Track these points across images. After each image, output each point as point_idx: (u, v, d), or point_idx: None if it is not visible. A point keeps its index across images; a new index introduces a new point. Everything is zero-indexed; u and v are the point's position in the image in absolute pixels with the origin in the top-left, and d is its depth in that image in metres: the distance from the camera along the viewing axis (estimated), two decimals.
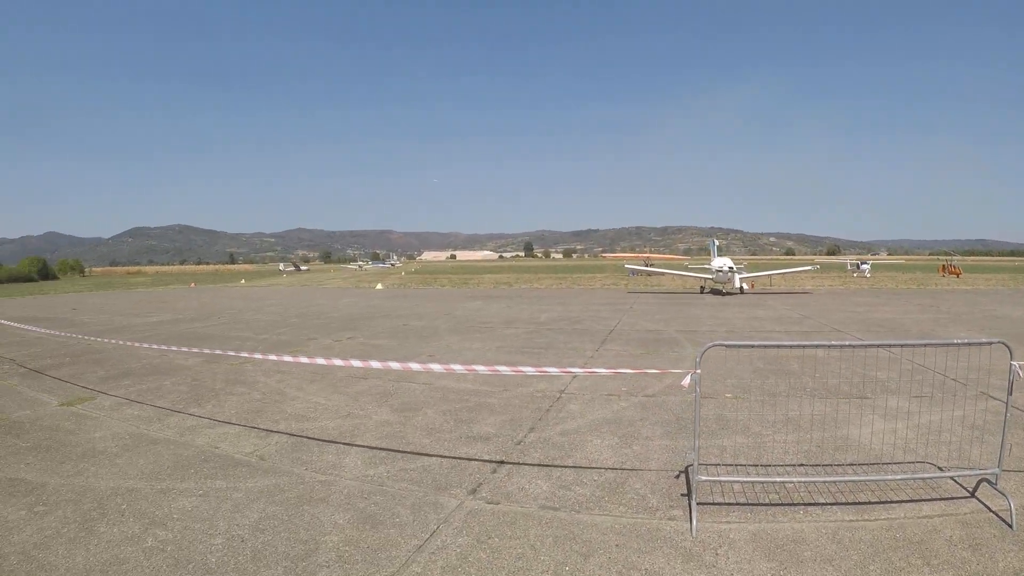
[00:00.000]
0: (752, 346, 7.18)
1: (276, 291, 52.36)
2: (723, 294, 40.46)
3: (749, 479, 7.45)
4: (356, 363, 9.46)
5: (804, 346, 7.36)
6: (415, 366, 9.30)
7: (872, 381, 12.80)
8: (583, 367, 14.78)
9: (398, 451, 8.98)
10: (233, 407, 11.58)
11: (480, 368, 9.31)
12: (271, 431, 10.00)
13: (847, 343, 7.08)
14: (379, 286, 56.89)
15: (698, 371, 6.74)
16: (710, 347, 7.09)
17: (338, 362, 9.77)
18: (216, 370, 15.17)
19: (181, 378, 14.34)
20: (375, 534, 6.31)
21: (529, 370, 8.67)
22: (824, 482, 7.44)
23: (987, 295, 38.00)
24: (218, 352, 13.95)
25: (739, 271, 41.80)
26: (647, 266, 66.28)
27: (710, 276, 43.23)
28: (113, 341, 17.29)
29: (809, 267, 53.36)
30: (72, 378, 14.50)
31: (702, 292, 43.34)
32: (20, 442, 9.61)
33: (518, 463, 8.43)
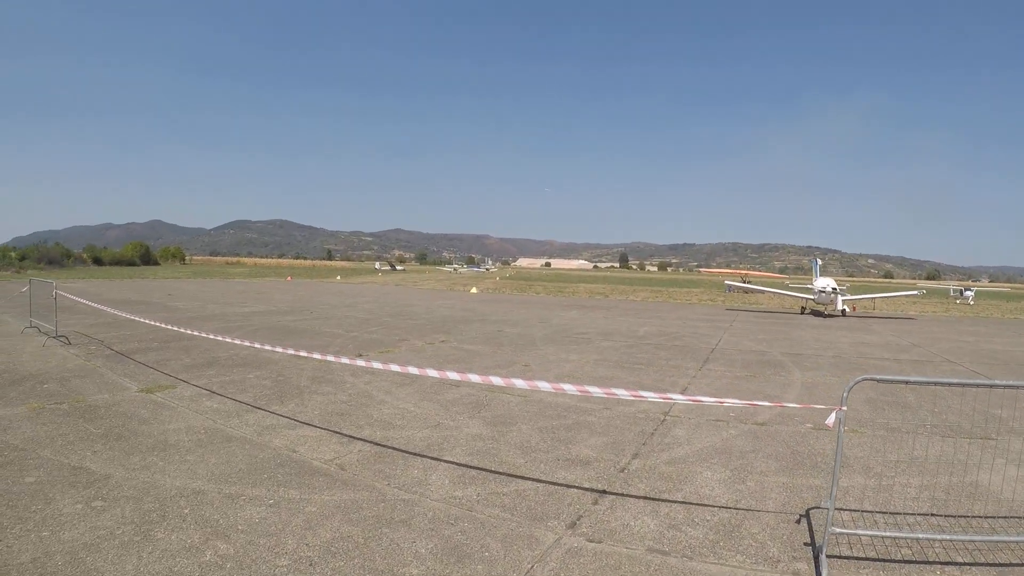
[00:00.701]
0: (906, 382, 6.03)
1: (370, 289, 52.61)
2: (825, 316, 38.63)
3: (886, 534, 6.27)
4: (452, 375, 8.62)
5: (964, 384, 6.14)
6: (519, 383, 8.18)
7: (995, 420, 11.50)
8: (683, 393, 13.78)
9: (490, 471, 8.09)
10: (317, 407, 10.93)
11: (572, 388, 8.15)
12: (354, 437, 9.25)
13: (1011, 383, 6.01)
14: (474, 290, 56.46)
15: (844, 408, 5.76)
16: (860, 381, 5.99)
17: (431, 372, 8.88)
18: (303, 367, 14.67)
19: (267, 372, 13.90)
20: (460, 570, 5.43)
21: (622, 393, 7.59)
22: (963, 540, 6.33)
23: None
24: (304, 350, 13.34)
25: (841, 292, 39.99)
26: (745, 283, 64.70)
27: (812, 296, 41.19)
28: (198, 333, 16.93)
29: (914, 291, 50.98)
30: (157, 364, 14.26)
31: (803, 312, 41.57)
32: (92, 427, 9.18)
33: (622, 494, 7.47)
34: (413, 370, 8.60)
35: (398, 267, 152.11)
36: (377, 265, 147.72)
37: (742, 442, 9.78)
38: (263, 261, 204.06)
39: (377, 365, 9.42)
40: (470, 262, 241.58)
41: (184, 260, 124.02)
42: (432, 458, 8.45)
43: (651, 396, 8.09)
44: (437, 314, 30.95)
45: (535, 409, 11.46)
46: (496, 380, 7.61)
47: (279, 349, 11.85)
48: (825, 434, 10.21)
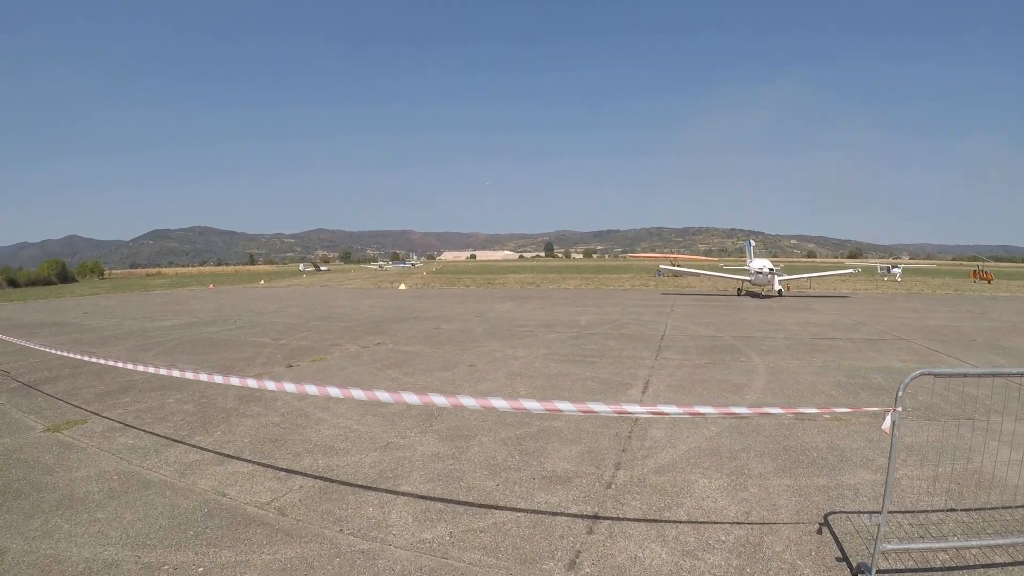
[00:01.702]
0: (968, 375, 5.16)
1: (296, 292, 50.55)
2: (762, 297, 38.72)
3: (938, 545, 5.58)
4: (410, 397, 7.45)
5: None
6: (468, 402, 7.11)
7: (970, 399, 11.12)
8: (646, 386, 13.11)
9: (459, 501, 7.00)
10: (247, 433, 9.63)
11: (535, 404, 6.90)
12: (292, 471, 7.99)
13: None
14: (403, 286, 55.19)
15: (898, 409, 4.79)
16: (918, 375, 5.16)
17: (382, 394, 6.92)
18: (228, 385, 13.14)
19: (188, 394, 12.38)
20: None
21: (601, 408, 6.71)
22: (999, 545, 5.70)
23: None
24: (225, 368, 12.07)
25: (777, 273, 39.96)
26: (675, 266, 64.99)
27: (748, 278, 41.48)
28: (106, 361, 15.37)
29: (850, 270, 51.66)
30: (67, 394, 12.60)
31: (739, 294, 41.57)
32: None
33: (618, 518, 6.52)
34: (358, 393, 6.95)
35: (322, 267, 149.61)
36: (301, 267, 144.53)
37: (728, 440, 9.03)
38: (185, 270, 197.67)
39: (312, 389, 8.03)
40: (395, 258, 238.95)
41: (103, 275, 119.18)
42: (388, 491, 7.31)
43: (632, 408, 7.21)
44: (368, 314, 29.57)
45: (493, 417, 10.43)
46: (439, 400, 6.24)
47: (203, 366, 10.48)
48: (812, 426, 9.62)
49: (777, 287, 39.25)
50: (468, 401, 6.00)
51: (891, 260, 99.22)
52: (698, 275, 52.62)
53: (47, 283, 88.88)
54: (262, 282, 76.51)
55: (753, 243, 49.76)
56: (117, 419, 10.57)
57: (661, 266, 58.36)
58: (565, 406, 5.80)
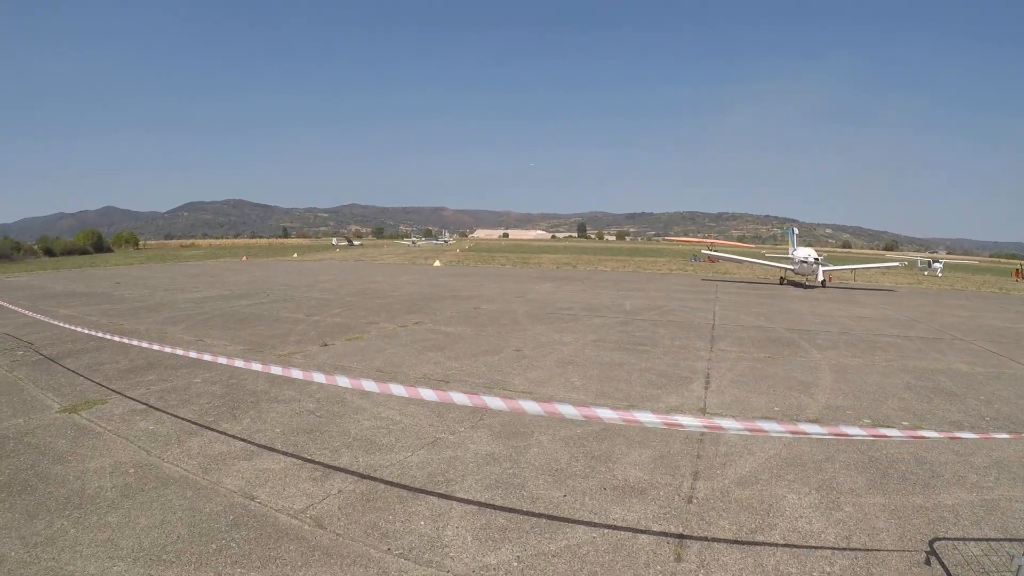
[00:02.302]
0: None
1: (329, 266, 49.87)
2: (806, 287, 37.28)
3: None
4: (458, 396, 6.49)
5: None
6: (532, 407, 5.69)
7: None
8: (707, 384, 12.13)
9: (522, 512, 6.06)
10: (278, 421, 8.68)
11: (610, 413, 5.74)
12: (330, 467, 7.07)
13: None
14: (437, 263, 54.33)
15: None
16: None
17: (427, 393, 5.98)
18: (258, 366, 12.30)
19: (217, 374, 11.49)
20: None
21: (688, 422, 5.69)
22: None
23: None
24: (257, 344, 11.18)
25: (822, 263, 38.47)
26: (713, 251, 64.06)
27: (791, 267, 39.77)
28: (142, 325, 14.57)
29: (895, 263, 50.27)
30: (88, 370, 11.78)
31: (781, 283, 40.18)
32: None
33: (707, 538, 5.64)
34: (399, 390, 6.04)
35: (355, 242, 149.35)
36: (334, 241, 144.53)
37: (809, 448, 8.11)
38: (218, 242, 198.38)
39: (345, 382, 6.85)
40: (427, 235, 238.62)
41: (137, 245, 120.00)
42: (441, 495, 6.37)
43: (727, 424, 6.11)
44: (404, 291, 28.68)
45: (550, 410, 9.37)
46: (494, 402, 5.28)
47: (233, 341, 9.61)
48: (894, 434, 8.47)
49: (821, 277, 38.03)
50: (530, 406, 5.07)
51: (932, 255, 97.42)
52: (739, 261, 51.49)
53: (83, 252, 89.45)
54: (295, 255, 76.18)
55: (796, 231, 48.59)
56: (139, 399, 9.73)
57: (703, 251, 57.34)
58: (645, 417, 4.78)
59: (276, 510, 5.98)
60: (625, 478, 6.99)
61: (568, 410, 4.83)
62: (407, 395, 5.49)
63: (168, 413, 8.95)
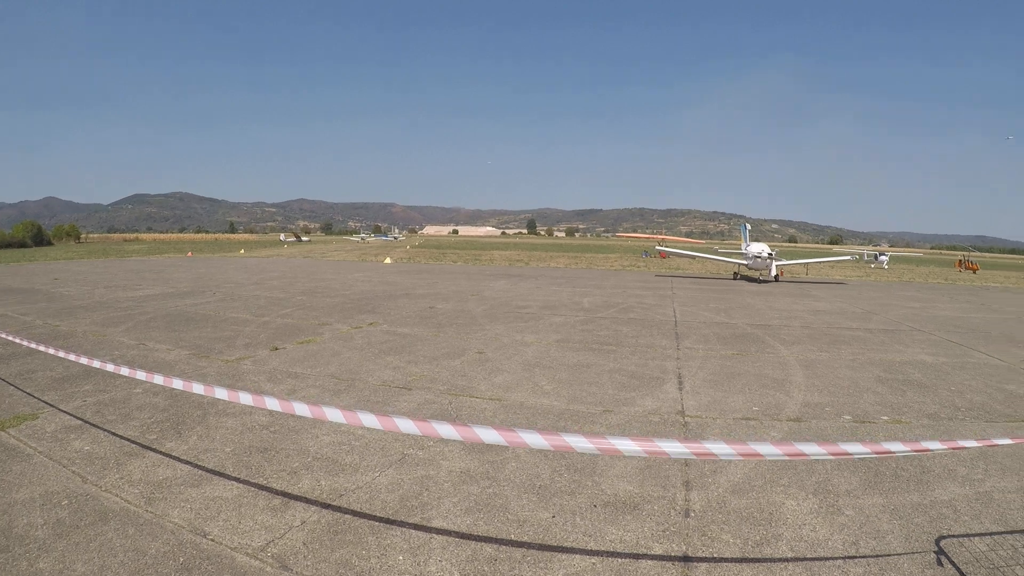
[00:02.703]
0: None
1: (278, 263, 48.66)
2: (760, 281, 37.76)
3: None
4: (439, 427, 5.84)
5: None
6: (533, 438, 4.81)
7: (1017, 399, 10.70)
8: (681, 385, 11.65)
9: (511, 542, 5.46)
10: (228, 439, 7.89)
11: (585, 443, 5.07)
12: (289, 495, 6.32)
13: None
14: (388, 260, 53.55)
15: None
16: None
17: (402, 422, 4.89)
18: (207, 371, 11.48)
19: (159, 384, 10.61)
20: None
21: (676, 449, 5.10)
22: None
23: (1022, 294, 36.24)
24: (209, 341, 10.40)
25: (776, 258, 39.02)
26: (667, 247, 65.21)
27: (745, 262, 40.43)
28: (80, 326, 13.64)
29: (847, 256, 51.56)
30: (20, 378, 10.75)
31: (735, 278, 40.58)
32: None
33: (713, 558, 5.23)
34: (334, 415, 5.18)
35: (304, 238, 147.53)
36: (282, 236, 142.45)
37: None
38: (163, 236, 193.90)
39: (303, 408, 6.05)
40: (377, 231, 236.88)
41: (79, 239, 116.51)
42: (416, 526, 5.70)
43: (717, 450, 5.63)
44: (356, 289, 27.85)
45: (523, 419, 8.94)
46: (447, 431, 4.48)
47: (177, 345, 8.85)
48: (874, 429, 8.85)
49: (774, 272, 38.47)
50: (489, 436, 4.37)
51: (878, 248, 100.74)
52: (692, 257, 51.99)
53: (21, 245, 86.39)
54: (242, 251, 74.46)
55: (748, 227, 48.97)
56: (74, 413, 8.82)
57: (656, 247, 58.08)
58: (624, 445, 4.21)
59: (232, 548, 5.24)
60: (615, 493, 6.50)
61: (534, 439, 4.21)
62: (344, 421, 4.73)
63: (106, 431, 8.09)
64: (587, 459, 7.34)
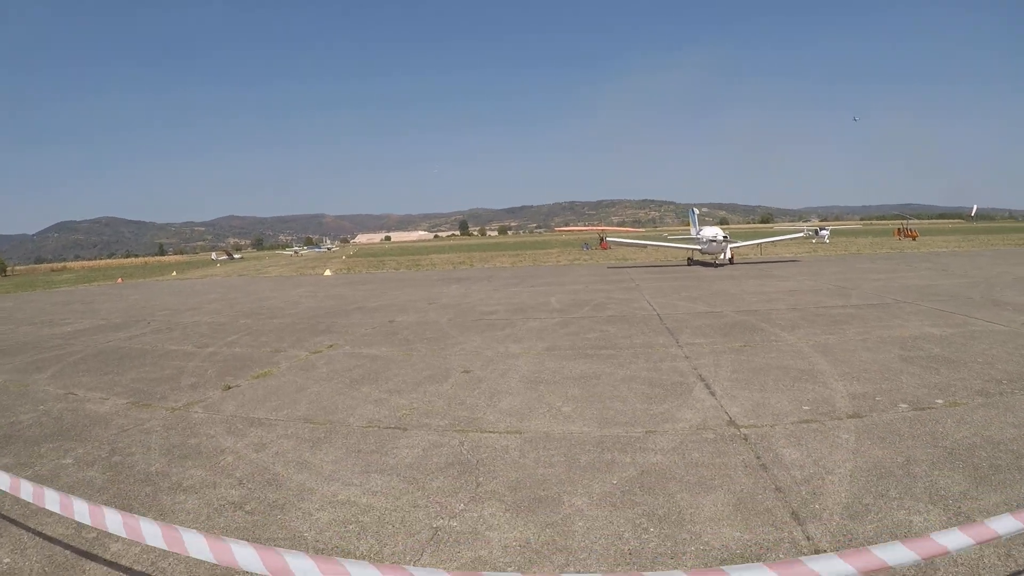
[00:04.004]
0: None
1: (213, 284, 45.76)
2: (715, 265, 37.50)
3: None
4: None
5: None
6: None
7: None
8: (711, 391, 10.17)
9: None
10: (193, 521, 5.92)
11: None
12: None
13: None
14: (328, 272, 51.01)
15: None
16: None
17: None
18: (150, 426, 9.26)
19: (92, 447, 8.38)
20: None
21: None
22: None
23: (971, 256, 37.91)
24: (146, 391, 8.40)
25: (730, 240, 39.24)
26: (607, 237, 65.34)
27: (699, 247, 40.24)
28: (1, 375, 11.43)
29: (801, 233, 52.45)
30: None
31: (689, 264, 40.33)
32: None
33: None
34: (197, 548, 3.31)
35: (236, 256, 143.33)
36: (214, 256, 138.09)
37: (879, 450, 6.88)
38: (92, 263, 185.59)
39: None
40: (309, 243, 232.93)
41: (5, 271, 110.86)
42: None
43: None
44: (302, 306, 25.58)
45: (560, 455, 7.29)
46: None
47: (113, 391, 6.91)
48: (936, 415, 8.01)
49: (728, 255, 38.54)
50: None
51: (819, 223, 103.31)
52: (645, 246, 51.85)
53: None
54: (174, 274, 70.96)
55: (697, 211, 48.55)
56: None
57: (609, 239, 58.01)
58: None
59: None
60: (724, 545, 4.99)
61: None
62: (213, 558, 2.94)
63: (29, 529, 6.00)
64: (662, 501, 5.88)
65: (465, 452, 7.44)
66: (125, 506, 6.23)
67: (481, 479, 6.63)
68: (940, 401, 8.49)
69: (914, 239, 64.76)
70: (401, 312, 21.81)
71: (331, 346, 15.44)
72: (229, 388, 11.41)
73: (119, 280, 60.51)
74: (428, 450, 7.53)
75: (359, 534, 5.50)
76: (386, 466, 7.06)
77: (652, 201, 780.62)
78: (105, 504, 5.81)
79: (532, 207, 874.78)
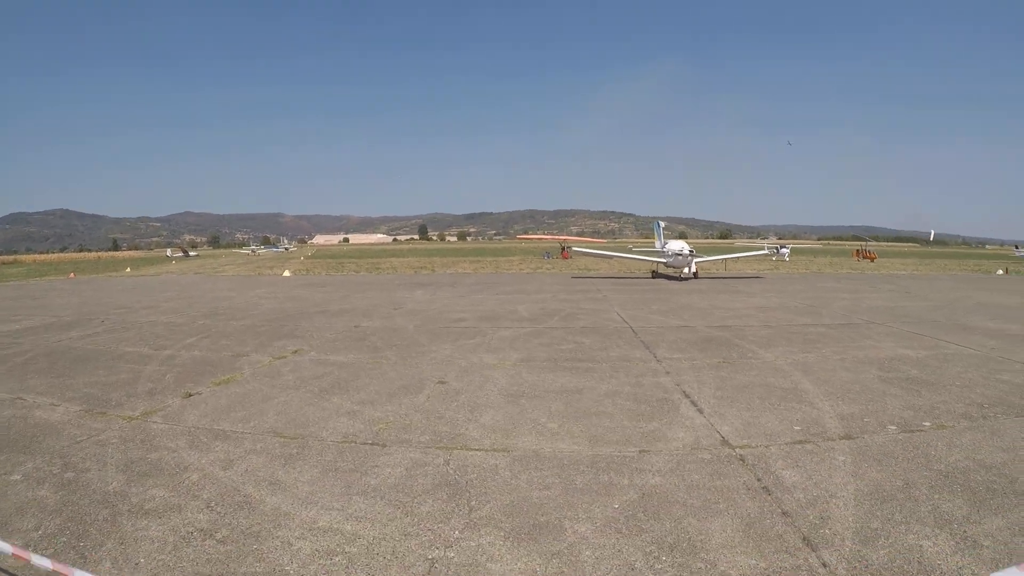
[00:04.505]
0: None
1: (169, 281, 44.47)
2: (680, 279, 37.43)
3: None
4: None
5: None
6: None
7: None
8: (698, 408, 9.96)
9: None
10: (159, 562, 5.29)
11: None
12: None
13: None
14: (287, 273, 49.93)
15: None
16: None
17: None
18: (105, 438, 8.56)
19: (45, 461, 7.67)
20: None
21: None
22: None
23: (929, 280, 39.15)
24: (101, 398, 7.80)
25: (696, 255, 39.14)
26: (569, 247, 67.20)
27: (664, 260, 39.98)
28: None
29: (764, 251, 53.03)
30: None
31: (653, 276, 40.26)
32: None
33: None
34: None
35: (192, 253, 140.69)
36: (169, 252, 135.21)
37: (877, 472, 6.87)
38: (44, 257, 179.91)
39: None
40: (266, 243, 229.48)
41: None
42: None
43: None
44: (263, 308, 24.74)
45: (553, 475, 6.92)
46: None
47: (64, 397, 6.31)
48: (933, 437, 8.07)
49: (693, 269, 38.39)
50: None
51: (779, 241, 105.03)
52: (610, 257, 51.81)
53: None
54: (128, 270, 69.15)
55: (662, 224, 48.47)
56: None
57: (575, 248, 58.02)
58: None
59: None
60: (742, 575, 4.78)
61: None
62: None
63: None
64: (670, 527, 5.69)
65: (452, 472, 6.98)
66: (80, 532, 5.64)
67: (474, 502, 6.19)
68: (927, 424, 8.57)
69: (872, 260, 66.32)
70: (366, 317, 21.17)
71: (296, 351, 14.78)
72: (190, 396, 10.71)
73: (71, 275, 58.71)
74: (412, 469, 7.05)
75: (347, 568, 5.00)
76: (368, 487, 6.55)
77: (612, 212, 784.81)
78: (57, 530, 5.27)
79: (492, 214, 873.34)
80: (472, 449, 7.72)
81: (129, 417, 9.47)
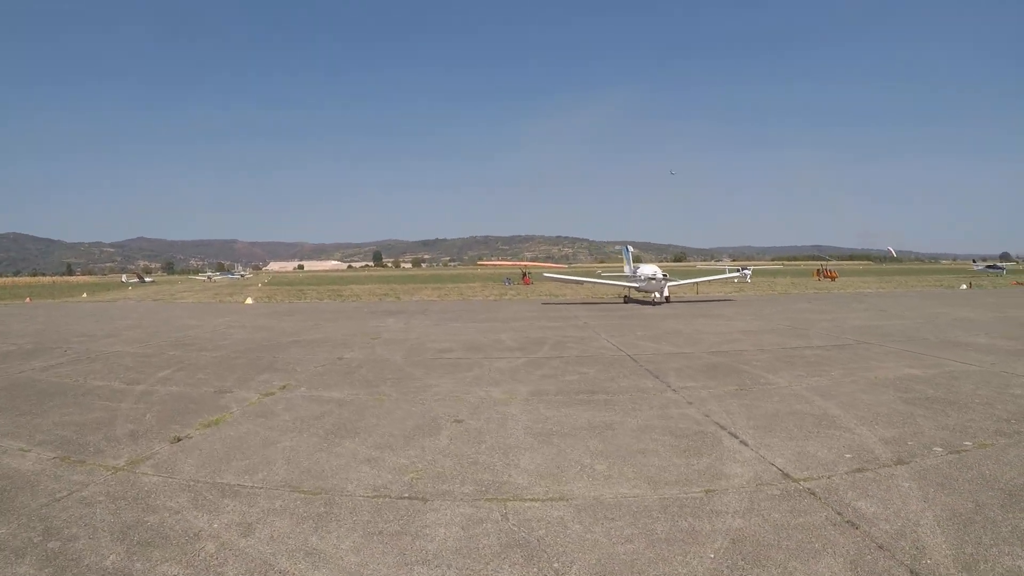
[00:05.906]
0: None
1: (128, 308, 42.78)
2: (653, 304, 36.99)
3: None
4: None
5: None
6: None
7: None
8: (742, 440, 9.22)
9: None
10: None
11: None
12: None
13: None
14: (249, 300, 48.39)
15: None
16: None
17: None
18: (90, 494, 7.32)
19: (22, 526, 6.41)
20: None
21: None
22: None
23: (895, 297, 40.64)
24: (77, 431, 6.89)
25: (669, 279, 39.13)
26: (525, 274, 69.38)
27: (636, 284, 39.65)
28: None
29: (735, 273, 53.50)
30: None
31: (625, 301, 39.85)
32: None
33: None
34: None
35: (147, 279, 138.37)
36: (124, 278, 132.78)
37: (946, 498, 6.66)
38: None
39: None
40: (221, 269, 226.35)
41: None
42: None
43: None
44: (232, 338, 23.41)
45: (629, 526, 6.16)
46: None
47: (35, 443, 5.69)
48: (974, 457, 8.00)
49: (666, 293, 38.26)
50: None
51: (741, 263, 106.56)
52: (581, 283, 51.48)
53: None
54: (84, 295, 67.14)
55: (631, 249, 48.09)
56: None
57: (545, 274, 58.01)
58: None
59: None
60: None
61: None
62: None
63: None
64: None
65: (516, 528, 6.07)
66: None
67: (556, 564, 5.35)
68: (968, 443, 8.51)
69: (834, 279, 67.20)
70: (345, 348, 20.08)
71: (284, 387, 13.68)
72: (179, 440, 9.53)
73: (28, 300, 56.76)
74: (469, 528, 6.10)
75: None
76: (428, 554, 5.58)
77: (566, 238, 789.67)
78: None
79: (446, 240, 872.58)
80: (526, 500, 6.82)
81: (114, 468, 8.29)
